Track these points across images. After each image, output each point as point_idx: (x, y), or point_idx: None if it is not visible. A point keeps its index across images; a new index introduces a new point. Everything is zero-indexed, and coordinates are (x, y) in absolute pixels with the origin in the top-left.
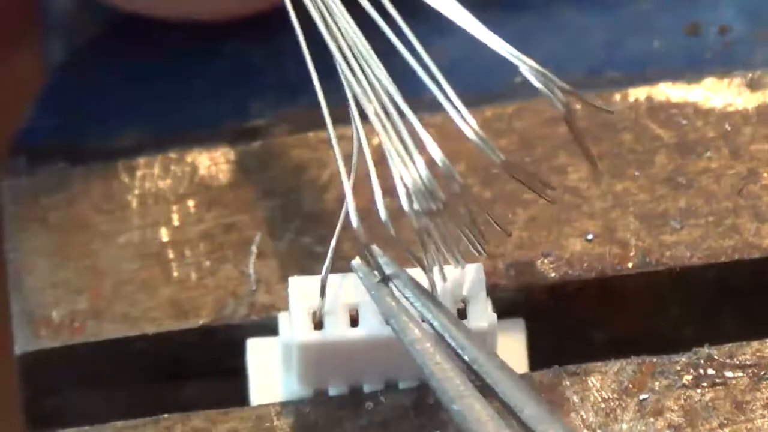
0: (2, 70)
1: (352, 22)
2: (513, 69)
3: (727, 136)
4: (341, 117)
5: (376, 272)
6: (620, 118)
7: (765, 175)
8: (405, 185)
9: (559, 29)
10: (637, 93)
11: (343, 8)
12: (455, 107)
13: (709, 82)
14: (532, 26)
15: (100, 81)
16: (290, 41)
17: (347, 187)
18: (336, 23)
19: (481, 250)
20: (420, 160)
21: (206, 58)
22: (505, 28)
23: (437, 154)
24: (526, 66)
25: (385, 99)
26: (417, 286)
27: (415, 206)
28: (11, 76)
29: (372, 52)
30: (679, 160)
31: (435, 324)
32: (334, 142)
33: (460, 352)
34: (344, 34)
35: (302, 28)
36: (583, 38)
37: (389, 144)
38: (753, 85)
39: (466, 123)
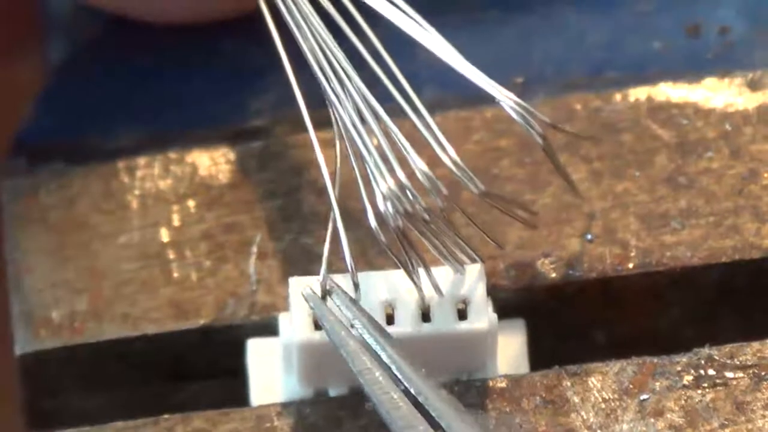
0: (3, 71)
1: (329, 34)
2: (512, 70)
3: (728, 136)
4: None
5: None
6: (621, 119)
7: (765, 175)
8: (382, 192)
9: (560, 30)
10: (638, 93)
11: (323, 25)
12: (435, 136)
13: (710, 82)
14: (532, 27)
15: (100, 81)
16: (291, 42)
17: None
18: (313, 35)
19: (475, 257)
20: (398, 169)
21: (206, 58)
22: (505, 29)
23: (420, 166)
24: (505, 99)
25: (363, 107)
26: (368, 319)
27: (391, 209)
28: (12, 77)
29: (349, 63)
30: (680, 160)
31: (383, 356)
32: (317, 147)
33: (406, 384)
34: (321, 44)
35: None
36: (584, 39)
37: (365, 151)
38: (753, 86)
39: (445, 153)
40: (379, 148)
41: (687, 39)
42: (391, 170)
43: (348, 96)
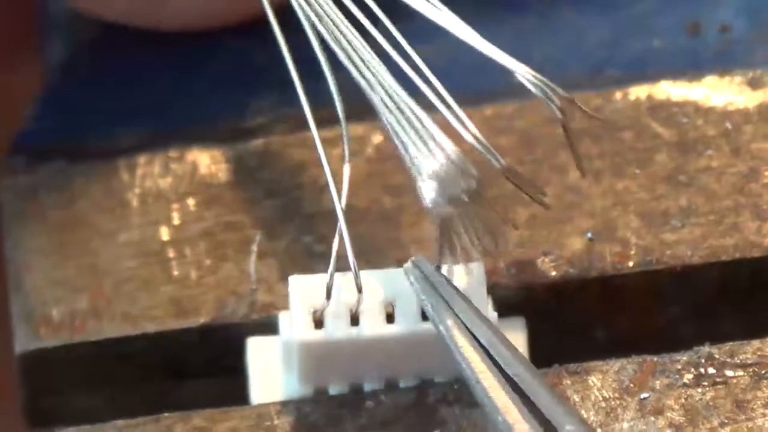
0: (3, 71)
1: (346, 22)
2: None
3: (728, 134)
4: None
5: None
6: (621, 117)
7: (766, 173)
8: (428, 173)
9: (560, 29)
10: (638, 91)
11: (337, 11)
12: (453, 111)
13: (710, 80)
14: (532, 26)
15: (100, 81)
16: (291, 40)
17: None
18: (333, 23)
19: (501, 244)
20: (445, 142)
21: (206, 57)
22: (505, 28)
23: (449, 149)
24: (523, 73)
25: (393, 95)
26: (464, 299)
27: (439, 196)
28: (12, 77)
29: (372, 53)
30: (680, 158)
31: (482, 340)
32: (320, 149)
33: (503, 365)
34: (343, 34)
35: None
36: (584, 38)
37: (404, 135)
38: (753, 84)
39: (465, 127)
40: (415, 130)
41: (687, 37)
42: (437, 150)
43: (379, 84)
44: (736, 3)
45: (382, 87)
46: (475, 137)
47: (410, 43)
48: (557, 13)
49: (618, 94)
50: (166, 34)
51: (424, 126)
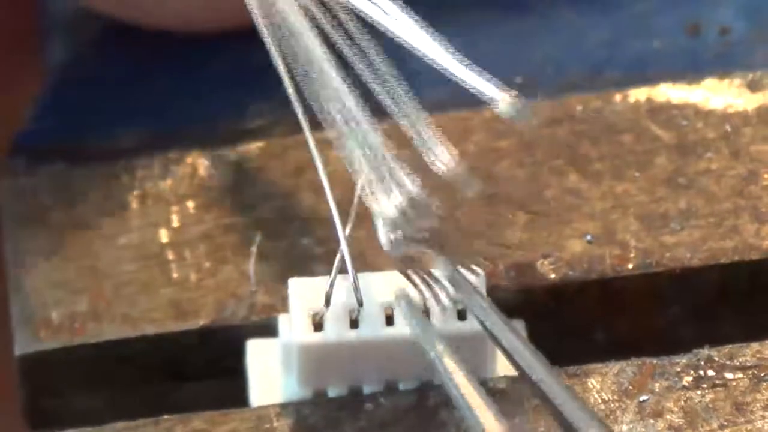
0: (3, 72)
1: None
2: (513, 69)
3: (728, 137)
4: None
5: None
6: (621, 119)
7: (765, 176)
8: (388, 214)
9: (560, 29)
10: (638, 94)
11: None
12: (428, 139)
13: (710, 82)
14: (532, 26)
15: (100, 81)
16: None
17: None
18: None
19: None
20: (408, 180)
21: (206, 58)
22: (505, 29)
23: (412, 189)
24: (504, 103)
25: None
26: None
27: (400, 235)
28: (12, 78)
29: (343, 82)
30: (680, 161)
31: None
32: (317, 157)
33: (526, 370)
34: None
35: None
36: (584, 39)
37: (369, 172)
38: (753, 86)
39: (440, 158)
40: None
41: (687, 39)
42: (398, 190)
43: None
44: (735, 4)
45: (348, 119)
46: (449, 167)
47: (409, 46)
48: (557, 13)
49: (617, 97)
50: (168, 35)
51: (387, 162)
